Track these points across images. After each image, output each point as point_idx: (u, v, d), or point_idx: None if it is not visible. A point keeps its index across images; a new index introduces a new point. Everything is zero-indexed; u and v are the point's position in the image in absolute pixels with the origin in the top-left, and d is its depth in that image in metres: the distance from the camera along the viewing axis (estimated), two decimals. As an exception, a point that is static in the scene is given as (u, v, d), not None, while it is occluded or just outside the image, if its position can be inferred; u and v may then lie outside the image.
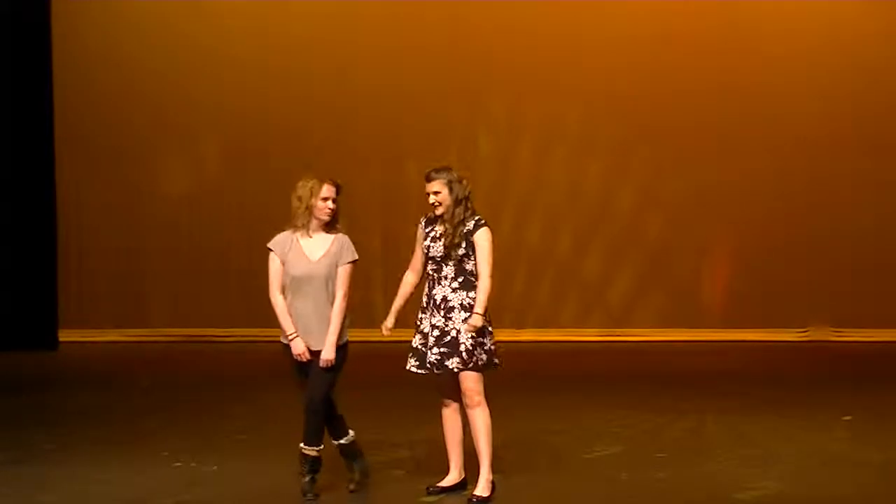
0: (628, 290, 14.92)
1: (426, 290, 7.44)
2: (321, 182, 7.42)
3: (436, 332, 7.35)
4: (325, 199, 7.40)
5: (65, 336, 14.57)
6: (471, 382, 7.36)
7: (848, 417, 9.92)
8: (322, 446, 7.47)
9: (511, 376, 12.53)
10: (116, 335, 14.74)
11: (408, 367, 7.47)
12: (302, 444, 7.46)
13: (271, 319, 14.20)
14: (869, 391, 11.41)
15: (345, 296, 7.37)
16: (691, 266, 14.97)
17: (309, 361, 7.35)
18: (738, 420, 9.85)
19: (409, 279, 7.56)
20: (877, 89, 14.63)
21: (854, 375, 12.59)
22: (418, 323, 7.46)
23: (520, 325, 14.92)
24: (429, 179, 7.49)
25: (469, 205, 7.43)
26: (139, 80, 14.92)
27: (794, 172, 14.68)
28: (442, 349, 7.32)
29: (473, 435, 7.46)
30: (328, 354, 7.32)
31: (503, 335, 14.45)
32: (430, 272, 7.43)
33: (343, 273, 7.38)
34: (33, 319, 14.33)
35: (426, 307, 7.42)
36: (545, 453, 8.79)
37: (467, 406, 7.42)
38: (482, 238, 7.38)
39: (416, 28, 14.90)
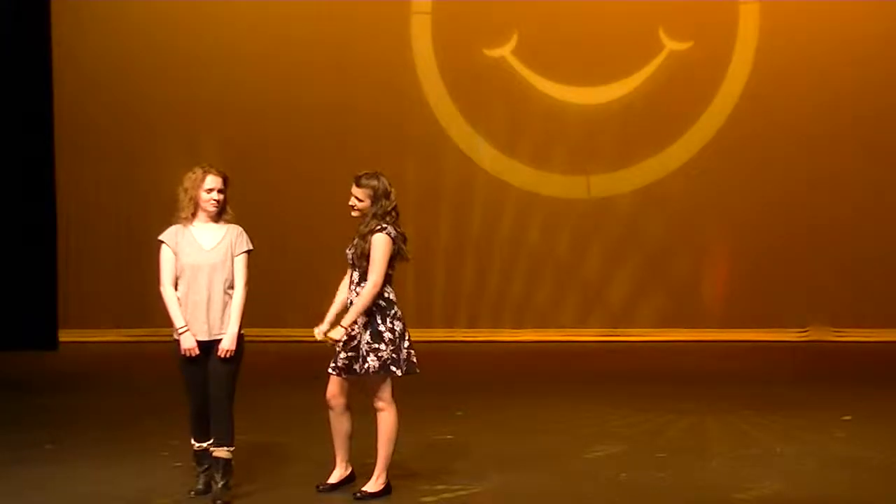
0: (628, 290, 14.92)
1: None
2: (205, 173, 7.40)
3: (346, 336, 7.41)
4: (210, 190, 7.37)
5: (65, 336, 14.56)
6: (375, 387, 7.43)
7: (848, 417, 9.92)
8: (234, 447, 7.44)
9: (511, 376, 12.64)
10: (116, 335, 14.74)
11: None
12: (214, 448, 7.41)
13: (271, 319, 14.33)
14: (869, 391, 11.40)
15: (245, 286, 7.37)
16: (691, 266, 14.97)
17: (200, 357, 7.31)
18: (738, 420, 9.86)
19: (345, 285, 7.57)
20: (877, 89, 14.62)
21: (854, 375, 12.59)
22: None
23: (520, 325, 14.94)
24: (357, 184, 7.43)
25: (389, 219, 7.40)
26: (139, 79, 14.92)
27: (793, 172, 14.69)
28: (349, 353, 7.40)
29: (378, 439, 7.52)
30: (228, 345, 7.30)
31: (503, 335, 14.75)
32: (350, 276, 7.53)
33: (241, 263, 7.37)
34: (33, 319, 14.33)
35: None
36: (545, 453, 8.79)
37: (375, 409, 7.48)
38: (375, 242, 7.35)
39: (416, 28, 14.90)
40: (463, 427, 9.73)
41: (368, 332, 7.37)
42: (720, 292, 15.02)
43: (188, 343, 7.28)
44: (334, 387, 7.52)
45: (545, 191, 14.96)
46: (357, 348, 7.39)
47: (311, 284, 14.52)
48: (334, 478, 7.69)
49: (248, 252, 7.42)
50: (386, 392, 7.46)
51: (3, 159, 14.28)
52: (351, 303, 7.42)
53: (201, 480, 7.55)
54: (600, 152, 14.90)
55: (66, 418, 10.32)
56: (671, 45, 14.78)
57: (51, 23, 14.45)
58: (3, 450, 8.92)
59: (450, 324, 14.81)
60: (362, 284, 7.40)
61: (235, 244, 7.38)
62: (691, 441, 9.23)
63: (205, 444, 7.48)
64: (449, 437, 9.31)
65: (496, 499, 7.71)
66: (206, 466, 7.51)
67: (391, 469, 7.60)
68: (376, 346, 7.36)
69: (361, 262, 7.39)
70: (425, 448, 8.85)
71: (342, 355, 7.44)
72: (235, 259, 7.37)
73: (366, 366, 7.35)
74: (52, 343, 14.43)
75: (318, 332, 7.47)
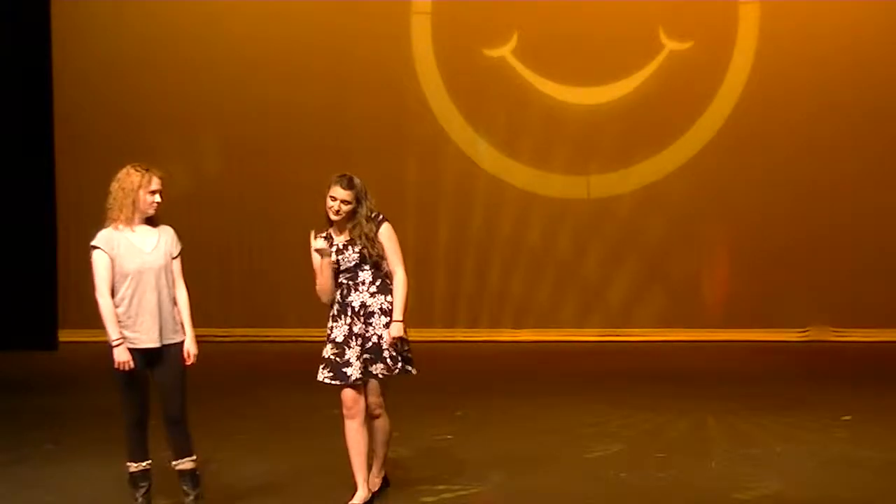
0: (628, 290, 14.91)
1: (338, 297, 7.25)
2: (150, 174, 7.18)
3: (358, 340, 7.16)
4: (154, 192, 7.12)
5: (65, 336, 14.55)
6: (381, 390, 7.30)
7: (848, 417, 9.92)
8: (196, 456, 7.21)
9: (511, 376, 12.64)
10: (116, 335, 14.71)
11: (320, 379, 7.19)
12: (178, 462, 7.22)
13: (271, 319, 14.29)
14: (869, 391, 11.40)
15: (185, 287, 7.16)
16: (691, 266, 14.96)
17: (145, 368, 7.06)
18: (738, 420, 9.85)
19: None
20: (877, 89, 14.60)
21: (854, 375, 12.58)
22: (329, 333, 7.25)
23: (520, 325, 14.93)
24: (344, 187, 7.22)
25: (375, 213, 7.32)
26: (139, 79, 14.91)
27: (793, 172, 14.67)
28: (365, 356, 7.16)
29: (377, 440, 7.38)
30: (194, 347, 7.17)
31: (503, 335, 14.75)
32: (344, 280, 7.25)
33: (179, 265, 7.12)
34: (33, 319, 14.33)
35: (338, 315, 7.23)
36: (545, 453, 8.79)
37: (372, 415, 7.30)
38: (386, 233, 7.27)
39: (416, 28, 14.90)
40: (463, 427, 9.73)
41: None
42: (720, 292, 15.02)
43: (123, 356, 6.96)
44: (354, 393, 7.17)
45: (545, 191, 14.96)
46: (376, 349, 7.17)
47: (310, 285, 14.56)
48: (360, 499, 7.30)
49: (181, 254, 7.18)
50: (383, 395, 7.36)
51: (3, 160, 14.28)
52: (363, 305, 7.16)
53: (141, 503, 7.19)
54: (600, 152, 14.90)
55: (66, 418, 10.32)
56: (671, 45, 14.78)
57: (51, 23, 14.46)
58: (3, 450, 8.93)
59: (450, 324, 14.80)
60: (377, 283, 7.22)
61: (173, 246, 7.11)
62: (691, 441, 9.23)
63: (144, 464, 7.21)
64: (449, 437, 9.31)
65: (496, 499, 7.71)
66: (146, 487, 7.22)
67: (391, 469, 7.60)
68: (401, 346, 7.22)
69: (372, 255, 7.20)
70: (425, 448, 8.86)
71: (360, 359, 7.16)
72: (174, 261, 7.11)
73: (398, 366, 7.19)
74: (52, 343, 14.42)
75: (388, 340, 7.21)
